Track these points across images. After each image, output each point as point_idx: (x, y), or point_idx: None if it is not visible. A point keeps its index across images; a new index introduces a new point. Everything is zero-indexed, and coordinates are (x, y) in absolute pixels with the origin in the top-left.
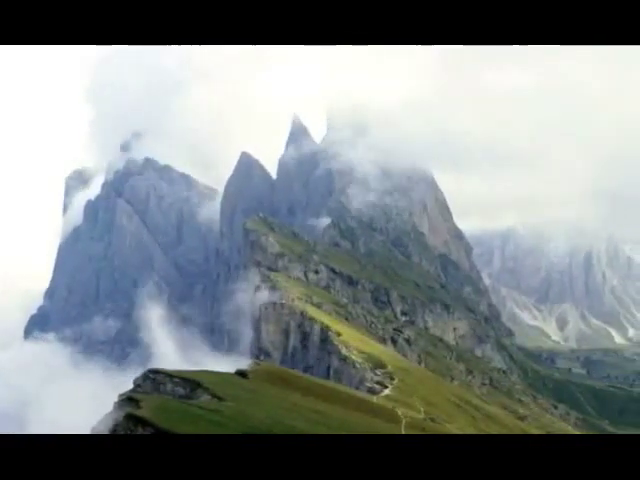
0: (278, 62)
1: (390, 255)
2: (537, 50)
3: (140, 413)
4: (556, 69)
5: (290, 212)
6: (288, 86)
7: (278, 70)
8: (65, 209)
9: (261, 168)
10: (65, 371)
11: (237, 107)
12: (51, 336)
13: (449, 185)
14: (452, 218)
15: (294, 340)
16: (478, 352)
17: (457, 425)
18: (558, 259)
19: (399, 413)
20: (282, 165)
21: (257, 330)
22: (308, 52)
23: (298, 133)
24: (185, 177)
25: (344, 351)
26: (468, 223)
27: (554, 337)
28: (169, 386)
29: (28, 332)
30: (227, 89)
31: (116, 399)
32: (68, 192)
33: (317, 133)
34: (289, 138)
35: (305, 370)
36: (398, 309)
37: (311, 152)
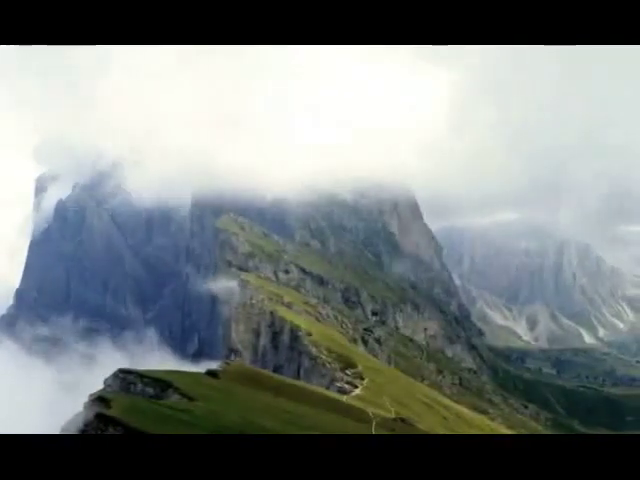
0: (245, 61)
1: (360, 255)
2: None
3: (110, 413)
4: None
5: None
6: (258, 84)
7: (248, 68)
8: (35, 209)
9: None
10: (34, 371)
11: (208, 107)
12: (21, 336)
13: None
14: (422, 218)
15: (264, 340)
16: (448, 352)
17: (427, 425)
18: (528, 259)
19: (369, 413)
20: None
21: (227, 330)
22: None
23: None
24: None
25: (314, 351)
26: (439, 223)
27: (524, 337)
28: (139, 386)
29: None
30: (200, 88)
31: (86, 399)
32: (38, 192)
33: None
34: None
35: (275, 370)
36: (369, 309)
37: None
